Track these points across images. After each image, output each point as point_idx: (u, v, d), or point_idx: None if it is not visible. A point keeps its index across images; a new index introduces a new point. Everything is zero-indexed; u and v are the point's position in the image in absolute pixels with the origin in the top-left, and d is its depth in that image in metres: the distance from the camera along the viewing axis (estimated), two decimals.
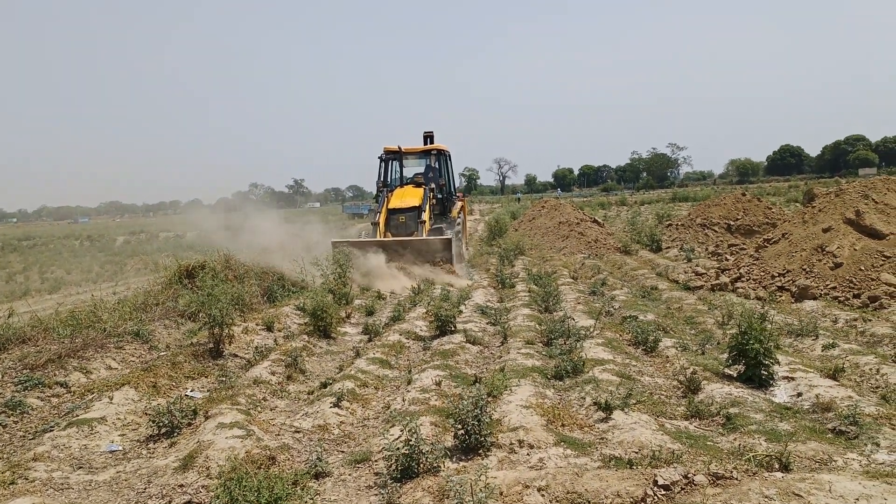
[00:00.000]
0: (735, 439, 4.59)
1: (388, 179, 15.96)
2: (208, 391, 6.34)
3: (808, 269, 9.83)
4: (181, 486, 4.16)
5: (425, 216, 14.08)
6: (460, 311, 9.17)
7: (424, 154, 16.50)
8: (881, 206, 10.42)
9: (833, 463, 4.12)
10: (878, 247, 9.56)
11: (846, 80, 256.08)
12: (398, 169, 16.59)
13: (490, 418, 4.71)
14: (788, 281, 9.86)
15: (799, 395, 5.48)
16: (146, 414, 5.49)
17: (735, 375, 6.04)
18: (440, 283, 12.35)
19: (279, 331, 8.80)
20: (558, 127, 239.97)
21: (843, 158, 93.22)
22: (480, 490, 3.49)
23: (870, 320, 7.80)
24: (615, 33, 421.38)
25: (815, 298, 9.18)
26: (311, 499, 3.91)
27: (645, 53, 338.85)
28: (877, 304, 8.47)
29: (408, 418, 4.53)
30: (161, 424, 5.18)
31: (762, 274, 10.56)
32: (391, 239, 13.73)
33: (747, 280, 10.67)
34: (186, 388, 6.37)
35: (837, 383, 5.59)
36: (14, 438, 5.12)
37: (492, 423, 4.74)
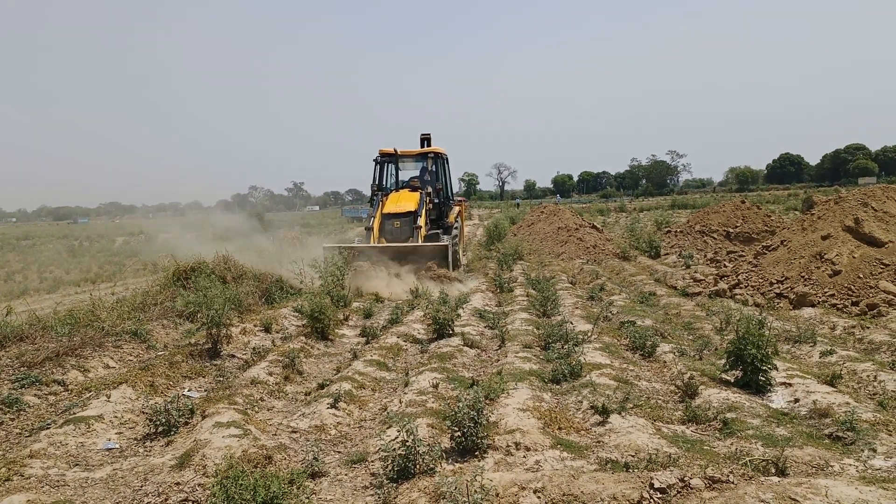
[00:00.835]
0: (732, 444, 4.59)
1: (384, 183, 15.57)
2: (206, 391, 6.34)
3: (806, 277, 9.84)
4: (177, 484, 4.15)
5: (421, 221, 13.68)
6: (458, 315, 9.17)
7: (421, 157, 16.12)
8: (880, 215, 10.44)
9: (829, 468, 4.12)
10: (876, 255, 9.58)
11: (847, 89, 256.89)
12: (394, 172, 16.28)
13: (487, 421, 4.72)
14: (787, 288, 9.88)
15: (796, 400, 5.49)
16: (143, 413, 5.48)
17: (732, 381, 6.05)
18: (435, 290, 12.21)
19: (277, 332, 8.80)
20: (558, 133, 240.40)
21: (842, 167, 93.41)
22: (476, 491, 3.49)
23: (868, 327, 7.81)
24: (616, 40, 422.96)
25: (813, 305, 9.19)
26: (307, 498, 3.90)
27: (646, 61, 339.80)
28: (875, 311, 8.48)
29: (405, 420, 4.53)
30: (158, 423, 5.17)
31: (760, 281, 10.57)
32: (384, 245, 13.27)
33: (746, 287, 10.68)
34: (184, 388, 6.37)
35: (835, 389, 5.59)
36: (10, 436, 5.11)
37: (488, 425, 4.75)
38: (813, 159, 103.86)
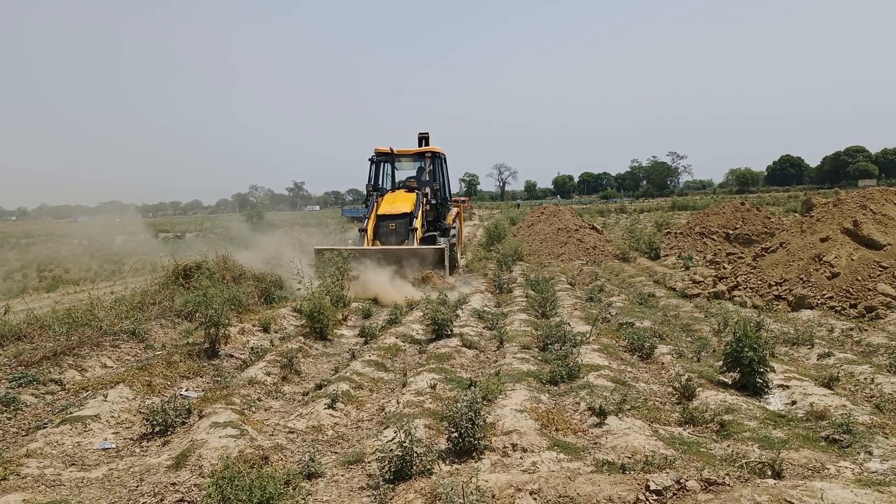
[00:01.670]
0: (728, 446, 4.59)
1: (380, 183, 15.16)
2: (203, 391, 6.34)
3: (805, 279, 9.84)
4: (173, 484, 4.15)
5: (417, 223, 13.23)
6: (457, 316, 9.17)
7: (418, 156, 15.73)
8: (879, 217, 10.44)
9: (826, 471, 4.12)
10: (875, 257, 9.58)
11: (847, 92, 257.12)
12: (390, 172, 15.96)
13: (484, 421, 4.72)
14: (785, 290, 9.88)
15: (793, 403, 5.49)
16: (140, 412, 5.48)
17: (730, 383, 6.05)
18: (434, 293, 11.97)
19: (275, 332, 8.80)
20: (559, 134, 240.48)
21: (843, 169, 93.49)
22: (472, 492, 3.49)
23: (866, 330, 7.81)
24: (618, 41, 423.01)
25: (811, 308, 9.20)
26: (304, 499, 3.90)
27: (647, 62, 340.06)
28: (873, 314, 8.48)
29: (402, 420, 4.53)
30: (155, 423, 5.17)
31: (759, 283, 10.57)
32: (378, 247, 12.77)
33: (744, 288, 10.68)
34: (181, 388, 6.37)
35: (832, 392, 5.59)
36: (7, 435, 5.11)
37: (486, 426, 4.75)
38: (813, 161, 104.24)
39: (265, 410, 5.79)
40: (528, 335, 8.19)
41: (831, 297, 9.23)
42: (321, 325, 8.54)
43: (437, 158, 15.74)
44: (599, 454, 4.45)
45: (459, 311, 9.78)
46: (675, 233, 19.79)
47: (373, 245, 13.01)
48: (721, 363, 6.19)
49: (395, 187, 15.61)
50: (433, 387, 6.01)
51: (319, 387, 6.35)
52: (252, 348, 7.70)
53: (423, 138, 16.13)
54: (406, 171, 16.44)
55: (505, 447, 4.53)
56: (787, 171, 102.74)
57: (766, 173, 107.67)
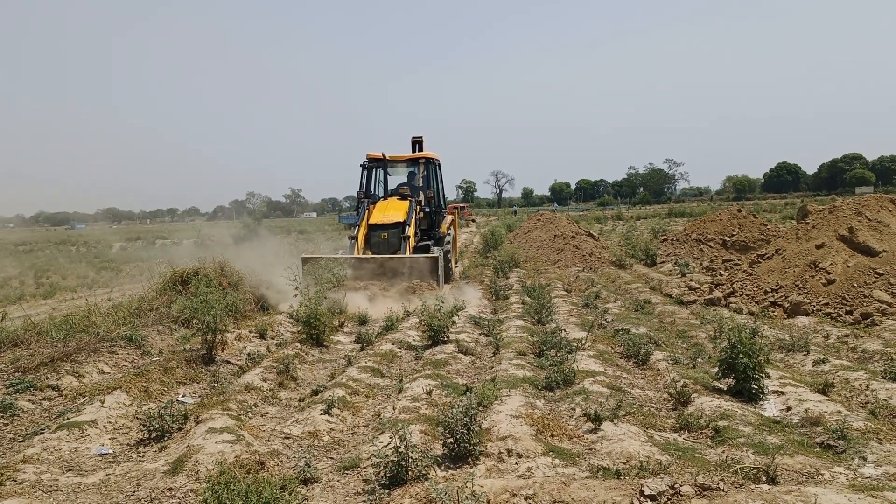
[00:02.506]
0: (723, 452, 4.61)
1: (371, 189, 14.65)
2: (200, 397, 6.35)
3: (800, 285, 9.88)
4: (170, 489, 4.16)
5: (410, 231, 12.75)
6: (453, 322, 9.18)
7: (411, 162, 15.22)
8: (874, 224, 10.50)
9: (820, 476, 4.14)
10: (870, 264, 9.63)
11: (844, 99, 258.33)
12: (383, 178, 15.50)
13: (479, 427, 4.72)
14: (781, 296, 9.91)
15: (788, 409, 5.51)
16: (137, 418, 5.48)
17: (725, 389, 6.07)
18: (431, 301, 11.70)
19: (272, 338, 8.81)
20: (556, 141, 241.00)
21: (839, 177, 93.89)
22: (467, 498, 3.50)
23: (861, 337, 7.85)
24: (614, 49, 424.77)
25: (807, 314, 9.23)
26: None
27: (644, 69, 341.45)
28: (869, 320, 8.52)
29: (398, 426, 4.54)
30: (152, 428, 5.17)
31: (755, 289, 10.61)
32: (368, 256, 12.36)
33: (740, 295, 10.72)
34: (178, 394, 6.37)
35: (827, 398, 5.62)
36: (4, 441, 5.12)
37: (481, 432, 4.76)
38: (810, 168, 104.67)
39: (261, 416, 5.79)
40: (524, 341, 8.21)
41: (827, 304, 9.27)
42: (317, 332, 8.55)
43: (431, 164, 15.24)
44: (594, 460, 4.47)
45: (455, 318, 9.78)
46: (672, 240, 19.82)
47: (364, 255, 12.64)
48: (716, 369, 6.21)
49: (387, 194, 15.19)
50: (429, 393, 6.02)
51: (316, 393, 6.35)
52: (249, 354, 7.70)
53: (417, 143, 15.66)
54: (399, 177, 15.99)
55: (500, 453, 4.55)
56: (783, 179, 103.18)
57: (762, 180, 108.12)
